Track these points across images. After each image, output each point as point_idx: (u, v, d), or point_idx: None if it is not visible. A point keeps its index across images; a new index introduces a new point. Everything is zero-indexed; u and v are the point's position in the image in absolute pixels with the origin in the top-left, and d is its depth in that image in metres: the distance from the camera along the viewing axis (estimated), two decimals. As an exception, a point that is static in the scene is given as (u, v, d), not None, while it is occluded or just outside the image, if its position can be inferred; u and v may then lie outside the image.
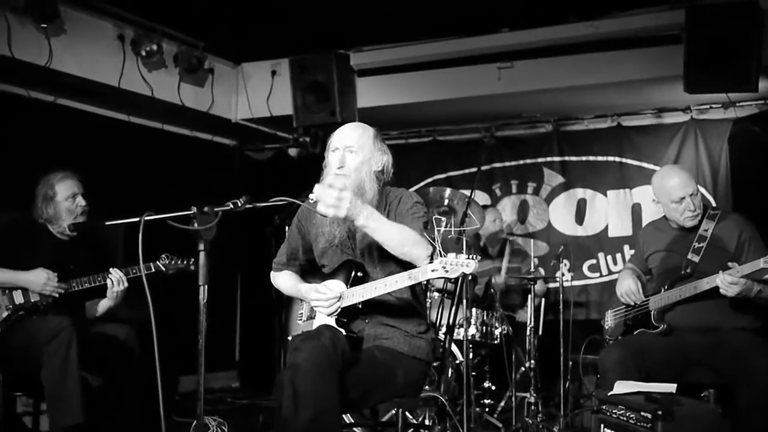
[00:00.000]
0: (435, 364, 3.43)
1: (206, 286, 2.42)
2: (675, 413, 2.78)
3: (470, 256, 2.51)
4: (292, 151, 6.96)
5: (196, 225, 2.41)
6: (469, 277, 4.23)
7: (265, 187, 6.38)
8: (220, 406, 5.62)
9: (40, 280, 3.61)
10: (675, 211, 3.55)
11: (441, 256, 2.56)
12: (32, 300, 3.63)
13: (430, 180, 6.80)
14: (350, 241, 2.94)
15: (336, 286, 2.86)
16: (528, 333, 4.98)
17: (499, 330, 4.93)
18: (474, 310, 4.85)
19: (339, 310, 2.83)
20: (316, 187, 2.58)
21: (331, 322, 2.82)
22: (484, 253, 5.68)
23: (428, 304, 4.48)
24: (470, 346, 4.71)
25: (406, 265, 2.71)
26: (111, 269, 3.71)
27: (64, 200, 3.78)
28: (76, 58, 4.94)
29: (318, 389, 2.47)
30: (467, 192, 4.76)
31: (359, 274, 2.84)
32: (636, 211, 6.09)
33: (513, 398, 4.76)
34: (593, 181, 6.27)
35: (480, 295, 5.22)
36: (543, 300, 5.46)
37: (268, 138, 6.80)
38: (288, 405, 2.48)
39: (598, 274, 6.19)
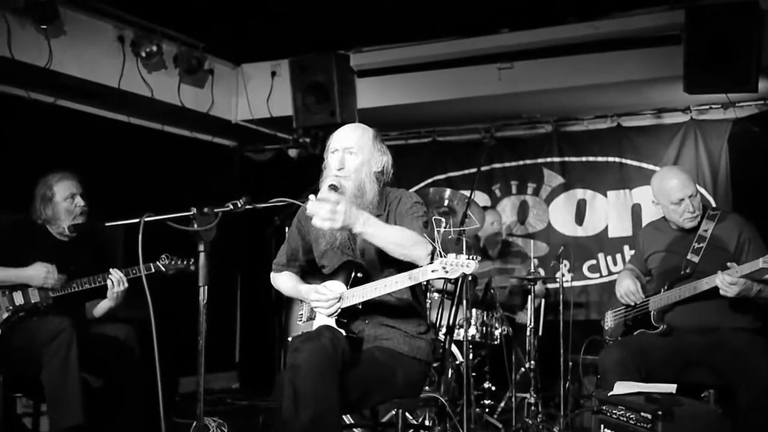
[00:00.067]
0: (435, 364, 3.43)
1: (206, 287, 2.43)
2: (675, 413, 2.78)
3: (470, 257, 2.51)
4: (292, 152, 6.96)
5: (196, 226, 2.41)
6: (469, 278, 4.23)
7: (265, 188, 6.39)
8: (220, 407, 5.61)
9: (41, 273, 3.62)
10: (674, 212, 3.55)
11: (441, 256, 2.56)
12: (32, 301, 3.63)
13: (429, 181, 6.79)
14: (351, 243, 2.94)
15: (336, 286, 2.86)
16: (528, 333, 4.98)
17: (499, 330, 4.93)
18: (474, 310, 4.85)
19: (339, 310, 2.83)
20: (309, 204, 2.57)
21: (331, 322, 2.82)
22: (483, 254, 5.68)
23: (428, 305, 4.48)
24: (470, 346, 4.70)
25: (407, 266, 2.70)
26: (111, 270, 3.71)
27: (63, 201, 3.78)
28: (76, 59, 4.94)
29: (318, 390, 2.47)
30: (467, 193, 4.76)
31: (359, 274, 2.83)
32: (636, 211, 6.09)
33: (513, 399, 4.75)
34: (593, 182, 6.27)
35: (480, 296, 5.21)
36: (543, 300, 5.46)
37: (268, 139, 6.80)
38: (288, 406, 2.48)
39: (597, 275, 6.19)
